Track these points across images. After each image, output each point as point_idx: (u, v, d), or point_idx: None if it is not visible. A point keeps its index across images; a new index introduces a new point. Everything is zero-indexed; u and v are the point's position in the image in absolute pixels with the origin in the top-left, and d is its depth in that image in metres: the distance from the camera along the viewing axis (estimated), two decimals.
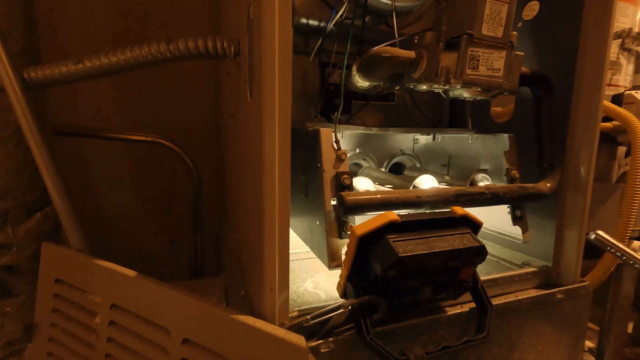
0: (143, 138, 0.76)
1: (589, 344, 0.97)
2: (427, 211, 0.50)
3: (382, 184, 0.65)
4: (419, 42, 0.49)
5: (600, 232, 0.55)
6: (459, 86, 0.48)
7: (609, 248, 0.51)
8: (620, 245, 0.55)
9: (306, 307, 0.45)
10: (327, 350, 0.43)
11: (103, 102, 0.82)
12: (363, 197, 0.46)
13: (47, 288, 0.56)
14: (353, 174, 0.51)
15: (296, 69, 0.52)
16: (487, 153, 0.65)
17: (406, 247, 0.40)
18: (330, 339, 0.44)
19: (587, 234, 0.47)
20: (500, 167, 0.61)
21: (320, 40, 0.57)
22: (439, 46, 0.47)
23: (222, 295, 0.71)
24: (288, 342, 0.37)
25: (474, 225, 0.47)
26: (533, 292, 0.58)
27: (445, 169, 0.77)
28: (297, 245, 0.59)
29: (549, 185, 0.57)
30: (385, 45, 0.50)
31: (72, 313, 0.53)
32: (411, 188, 0.59)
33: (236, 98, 0.56)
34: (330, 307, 0.42)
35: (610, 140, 0.84)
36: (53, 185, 0.53)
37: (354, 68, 0.54)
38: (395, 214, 0.42)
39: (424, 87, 0.50)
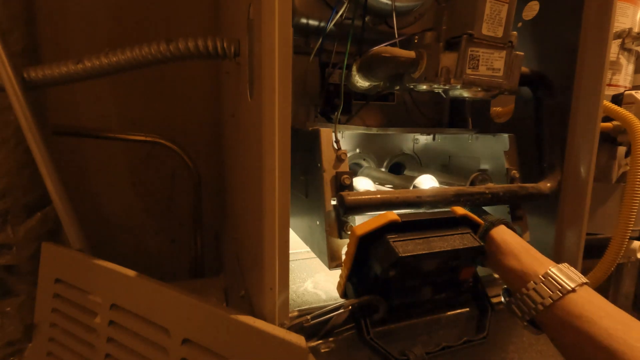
0: (143, 138, 0.76)
1: None
2: (427, 211, 0.50)
3: (382, 184, 0.65)
4: (419, 42, 0.49)
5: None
6: (459, 86, 0.48)
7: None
8: None
9: (306, 307, 0.45)
10: (327, 350, 0.43)
11: (103, 102, 0.82)
12: (363, 197, 0.46)
13: (47, 288, 0.56)
14: (353, 174, 0.51)
15: (296, 69, 0.52)
16: (487, 153, 0.65)
17: (406, 247, 0.40)
18: (330, 339, 0.44)
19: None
20: (500, 167, 0.61)
21: (320, 40, 0.57)
22: (439, 46, 0.47)
23: (222, 295, 0.71)
24: (288, 342, 0.37)
25: (474, 225, 0.47)
26: None
27: (445, 169, 0.77)
28: (297, 245, 0.59)
29: (549, 185, 0.57)
30: (385, 45, 0.50)
31: (72, 313, 0.53)
32: (411, 188, 0.59)
33: (236, 98, 0.56)
34: (330, 307, 0.42)
35: (610, 140, 0.84)
36: (53, 185, 0.53)
37: (354, 68, 0.54)
38: (395, 214, 0.42)
39: (424, 87, 0.50)
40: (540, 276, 0.41)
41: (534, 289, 0.41)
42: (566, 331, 0.38)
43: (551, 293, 0.39)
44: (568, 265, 0.42)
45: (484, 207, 0.58)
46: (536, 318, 0.41)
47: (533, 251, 0.45)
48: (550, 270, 0.41)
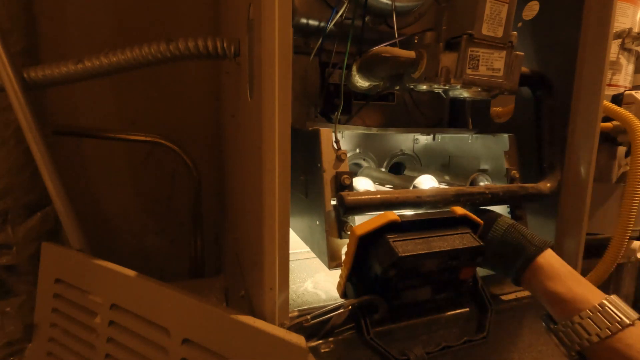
0: (143, 138, 0.76)
1: None
2: (427, 211, 0.50)
3: (382, 184, 0.65)
4: (419, 42, 0.49)
5: None
6: (459, 86, 0.48)
7: None
8: None
9: (306, 307, 0.45)
10: (327, 350, 0.43)
11: (103, 102, 0.82)
12: (363, 197, 0.46)
13: (47, 288, 0.56)
14: (353, 174, 0.51)
15: (296, 69, 0.52)
16: (487, 153, 0.65)
17: (406, 247, 0.40)
18: (330, 339, 0.44)
19: None
20: (500, 167, 0.61)
21: (320, 40, 0.57)
22: (439, 46, 0.47)
23: (222, 295, 0.71)
24: (288, 342, 0.37)
25: (474, 225, 0.47)
26: None
27: (445, 169, 0.77)
28: (297, 245, 0.59)
29: (549, 185, 0.57)
30: (385, 45, 0.50)
31: (72, 313, 0.53)
32: (411, 188, 0.59)
33: (236, 98, 0.56)
34: (330, 307, 0.42)
35: (610, 140, 0.84)
36: (53, 185, 0.53)
37: (354, 68, 0.54)
38: (395, 214, 0.42)
39: (424, 87, 0.50)
40: (597, 305, 0.39)
41: (590, 318, 0.39)
42: None
43: (609, 325, 0.38)
44: (618, 297, 0.40)
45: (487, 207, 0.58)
46: (588, 349, 0.39)
47: (582, 278, 0.43)
48: (606, 300, 0.39)
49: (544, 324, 0.45)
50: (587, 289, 0.42)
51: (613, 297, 0.40)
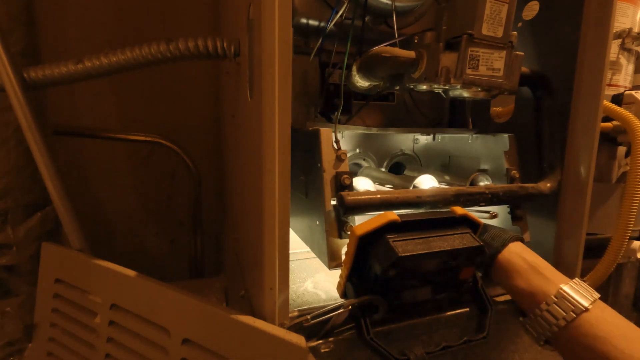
0: (143, 138, 0.76)
1: None
2: (427, 211, 0.50)
3: (382, 184, 0.65)
4: (419, 42, 0.49)
5: None
6: (459, 86, 0.48)
7: None
8: None
9: (306, 307, 0.45)
10: (327, 350, 0.43)
11: (103, 102, 0.82)
12: (363, 197, 0.46)
13: (47, 288, 0.56)
14: (353, 174, 0.51)
15: (296, 69, 0.52)
16: (487, 153, 0.65)
17: (406, 247, 0.40)
18: (330, 339, 0.44)
19: None
20: (500, 167, 0.61)
21: (320, 40, 0.57)
22: (439, 46, 0.47)
23: (222, 295, 0.71)
24: (288, 342, 0.37)
25: (474, 225, 0.47)
26: None
27: (445, 169, 0.77)
28: (297, 245, 0.59)
29: (549, 185, 0.57)
30: (385, 45, 0.50)
31: (72, 313, 0.53)
32: (411, 188, 0.59)
33: (236, 98, 0.56)
34: (330, 307, 0.42)
35: (610, 140, 0.84)
36: (53, 185, 0.53)
37: (354, 68, 0.54)
38: (395, 214, 0.42)
39: (424, 87, 0.50)
40: (553, 296, 0.41)
41: (547, 310, 0.40)
42: (582, 352, 0.38)
43: (564, 314, 0.39)
44: (579, 281, 0.42)
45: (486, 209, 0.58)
46: (551, 339, 0.41)
47: (542, 268, 0.44)
48: (561, 289, 0.41)
49: (519, 317, 0.46)
50: (544, 281, 0.43)
51: (572, 281, 0.41)
